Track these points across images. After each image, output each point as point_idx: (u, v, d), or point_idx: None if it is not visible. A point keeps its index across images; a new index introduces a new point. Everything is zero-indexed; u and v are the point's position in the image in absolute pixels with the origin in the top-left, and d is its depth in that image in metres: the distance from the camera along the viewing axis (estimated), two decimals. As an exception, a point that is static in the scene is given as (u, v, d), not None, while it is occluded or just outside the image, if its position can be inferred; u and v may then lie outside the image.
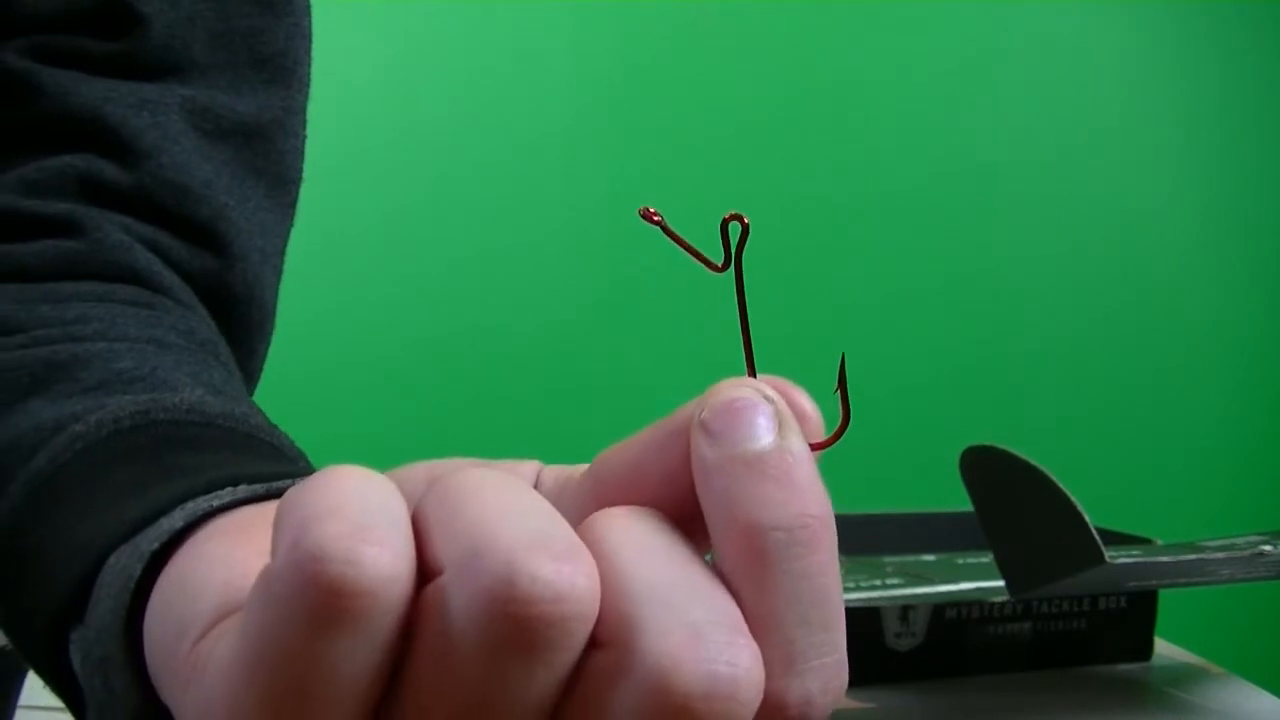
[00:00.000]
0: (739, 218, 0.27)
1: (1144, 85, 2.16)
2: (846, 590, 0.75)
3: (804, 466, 0.25)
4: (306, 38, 0.56)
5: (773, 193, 1.98)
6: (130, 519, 0.32)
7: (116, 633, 0.29)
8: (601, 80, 1.91)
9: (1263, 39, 2.21)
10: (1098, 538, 0.67)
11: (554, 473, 0.30)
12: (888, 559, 0.86)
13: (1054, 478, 0.68)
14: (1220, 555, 0.80)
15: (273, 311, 0.54)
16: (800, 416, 0.26)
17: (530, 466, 0.31)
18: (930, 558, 0.87)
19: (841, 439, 0.26)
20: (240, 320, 0.51)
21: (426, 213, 1.85)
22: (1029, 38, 2.10)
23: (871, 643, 0.87)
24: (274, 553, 0.22)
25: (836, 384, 0.27)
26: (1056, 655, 0.92)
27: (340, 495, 0.22)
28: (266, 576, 0.22)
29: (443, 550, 0.22)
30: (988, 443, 0.72)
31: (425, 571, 0.23)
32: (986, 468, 0.71)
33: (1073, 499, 0.67)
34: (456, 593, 0.22)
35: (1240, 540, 0.83)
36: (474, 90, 1.86)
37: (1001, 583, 0.73)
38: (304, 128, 0.56)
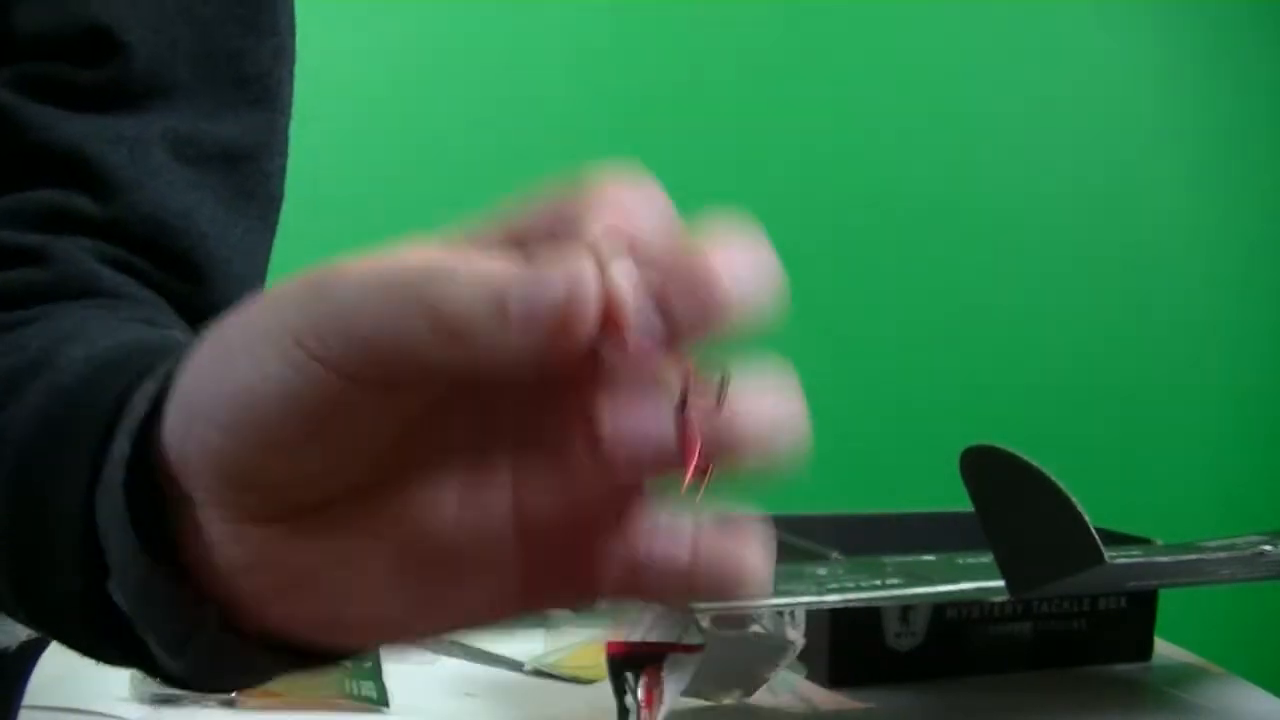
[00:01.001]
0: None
1: (1151, 88, 2.16)
2: (847, 591, 0.75)
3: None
4: (290, 58, 0.57)
5: (773, 192, 1.98)
6: (86, 476, 0.32)
7: (137, 560, 0.29)
8: (601, 79, 1.91)
9: (1251, 26, 2.21)
10: (1097, 538, 0.67)
11: None
12: (888, 559, 0.86)
13: (1054, 478, 0.68)
14: (1220, 555, 0.80)
15: None
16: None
17: None
18: (930, 558, 0.88)
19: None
20: None
21: (426, 212, 1.85)
22: (1032, 40, 2.10)
23: (871, 643, 0.87)
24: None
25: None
26: (1056, 655, 0.92)
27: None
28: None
29: None
30: (988, 443, 0.72)
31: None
32: (986, 468, 0.71)
33: (1073, 499, 0.67)
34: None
35: (1240, 540, 0.83)
36: (474, 90, 1.86)
37: (1001, 583, 0.73)
38: (287, 147, 0.56)
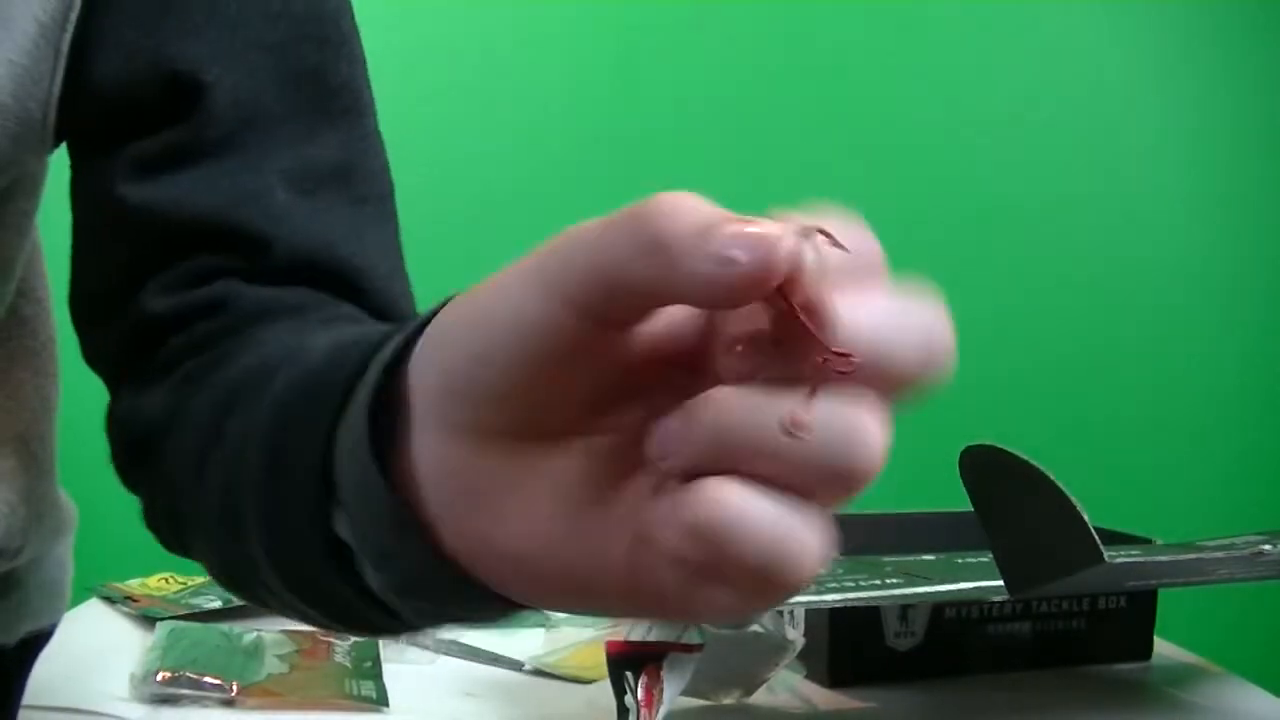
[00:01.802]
0: None
1: (1151, 85, 2.16)
2: (846, 590, 0.75)
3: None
4: (363, 60, 0.59)
5: (774, 193, 1.98)
6: (329, 419, 0.37)
7: (367, 466, 0.33)
8: (602, 78, 1.91)
9: (1252, 27, 2.21)
10: (1097, 537, 0.67)
11: None
12: (888, 559, 0.86)
13: (1054, 478, 0.68)
14: (1219, 555, 0.80)
15: (412, 311, 0.58)
16: None
17: None
18: (930, 557, 0.88)
19: None
20: None
21: (425, 212, 1.85)
22: (1034, 38, 2.10)
23: (871, 642, 0.87)
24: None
25: None
26: (1056, 655, 0.92)
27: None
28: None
29: None
30: (988, 443, 0.72)
31: None
32: (986, 468, 0.71)
33: (1072, 499, 0.67)
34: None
35: (1239, 540, 0.83)
36: (474, 89, 1.86)
37: (1001, 582, 0.73)
38: (382, 141, 0.60)
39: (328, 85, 0.56)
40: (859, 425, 0.28)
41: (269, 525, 0.40)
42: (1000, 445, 0.70)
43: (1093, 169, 2.14)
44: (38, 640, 0.73)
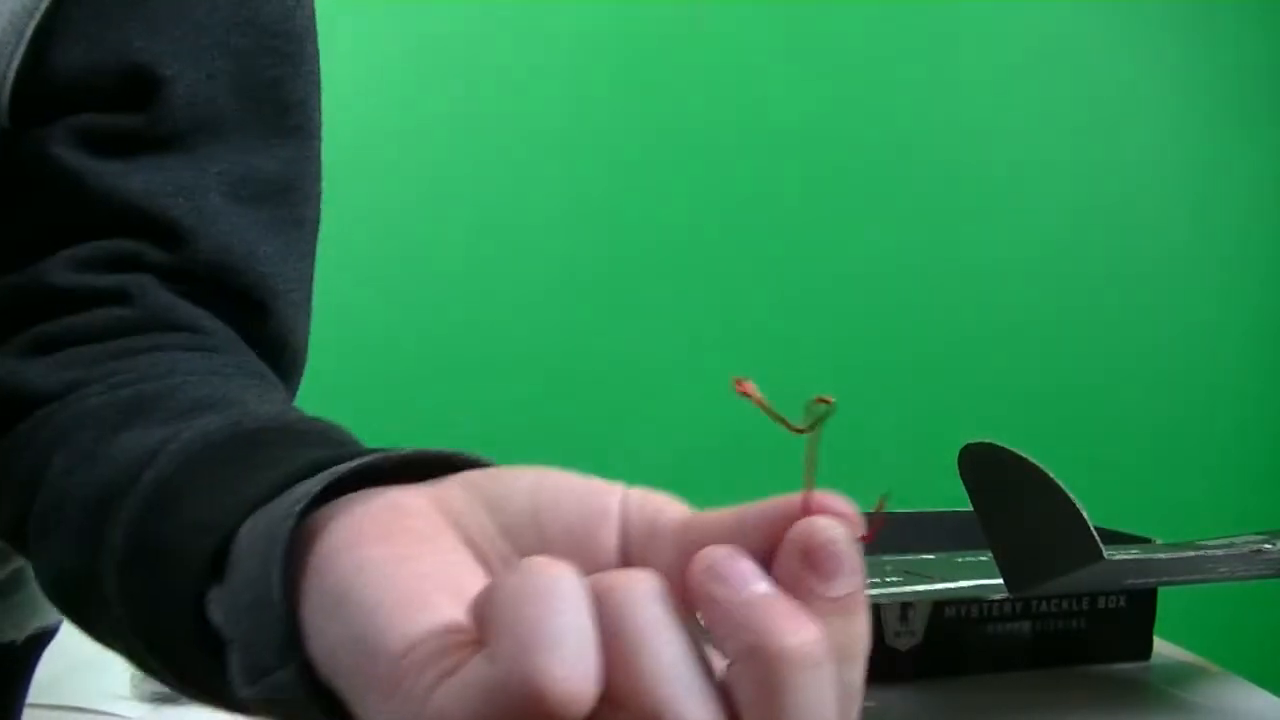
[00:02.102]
0: (826, 400, 0.31)
1: (1142, 80, 2.16)
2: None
3: (864, 601, 0.30)
4: (319, 85, 0.60)
5: (775, 193, 1.98)
6: (251, 496, 0.37)
7: (269, 579, 0.33)
8: (602, 77, 1.91)
9: (1258, 32, 2.21)
10: (1096, 535, 0.67)
11: (639, 502, 0.33)
12: (887, 558, 0.86)
13: (1053, 476, 0.69)
14: (1219, 553, 0.80)
15: (304, 350, 0.59)
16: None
17: (616, 492, 0.34)
18: (930, 557, 0.88)
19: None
20: (274, 363, 0.56)
21: (425, 211, 1.85)
22: (1039, 49, 2.10)
23: (871, 642, 0.87)
24: (492, 653, 0.27)
25: (877, 508, 0.32)
26: (1056, 654, 0.92)
27: (557, 621, 0.27)
28: (492, 683, 0.27)
29: (625, 686, 0.27)
30: (988, 441, 0.72)
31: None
32: (986, 466, 0.71)
33: (1072, 497, 0.67)
34: None
35: (1239, 539, 0.83)
36: (474, 88, 1.86)
37: (1001, 581, 0.73)
38: (321, 169, 0.60)
39: (283, 100, 0.57)
40: None
41: (136, 571, 0.40)
42: (1000, 443, 0.71)
43: (1093, 170, 2.14)
44: (43, 637, 0.73)
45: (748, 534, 0.30)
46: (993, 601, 0.89)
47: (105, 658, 0.86)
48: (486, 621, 0.27)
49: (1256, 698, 0.88)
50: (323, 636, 0.32)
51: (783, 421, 0.32)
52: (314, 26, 0.59)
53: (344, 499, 0.35)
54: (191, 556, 0.37)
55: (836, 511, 0.30)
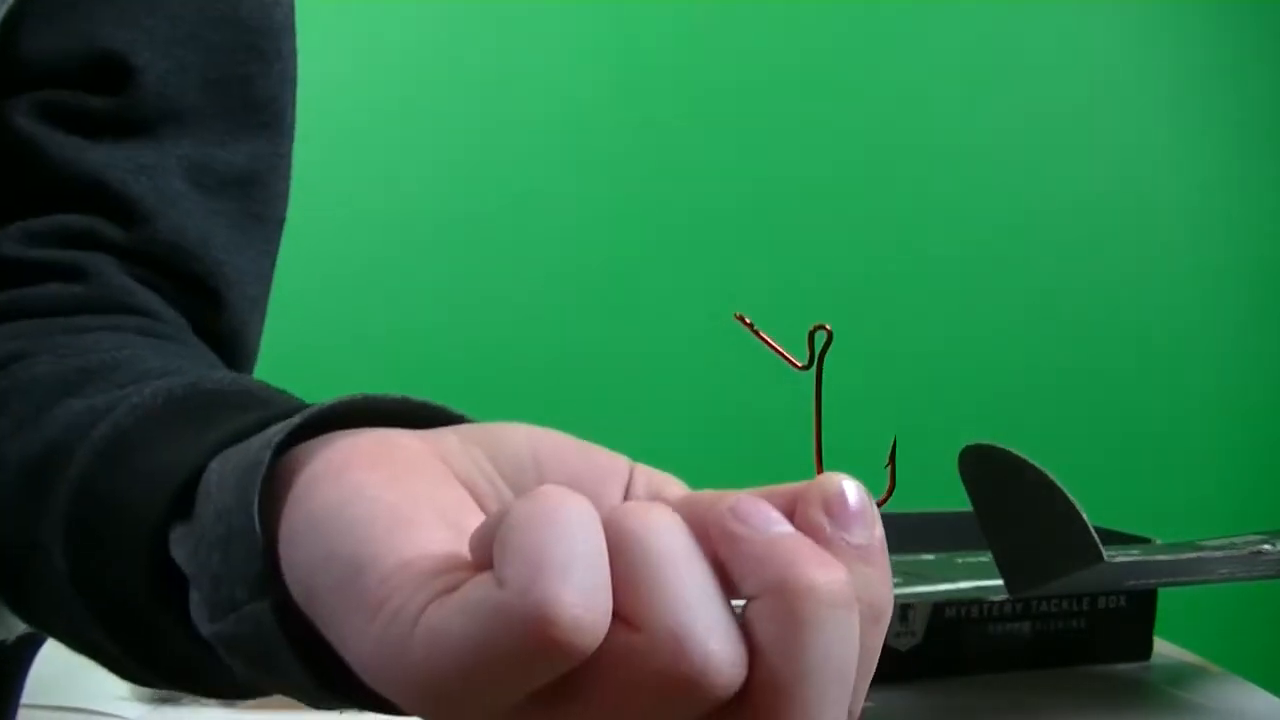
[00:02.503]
0: (824, 327, 0.31)
1: (1136, 79, 2.16)
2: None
3: (886, 556, 0.30)
4: (294, 84, 0.59)
5: (776, 193, 1.98)
6: (219, 438, 0.35)
7: (247, 508, 0.32)
8: (604, 75, 1.91)
9: (1260, 32, 2.21)
10: (1096, 536, 0.67)
11: (646, 474, 0.33)
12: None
13: (1053, 477, 0.68)
14: (1219, 555, 0.80)
15: (256, 350, 0.58)
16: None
17: (622, 459, 0.34)
18: (930, 557, 0.88)
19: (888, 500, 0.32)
20: (227, 360, 0.55)
21: (427, 210, 1.85)
22: (1020, 32, 2.10)
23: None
24: (501, 576, 0.26)
25: (888, 459, 0.33)
26: (1056, 655, 0.92)
27: (569, 547, 0.26)
28: (497, 605, 0.26)
29: (641, 611, 0.26)
30: (987, 442, 0.72)
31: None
32: (985, 467, 0.71)
33: (1071, 498, 0.67)
34: (651, 660, 0.26)
35: (1239, 539, 0.83)
36: (475, 86, 1.86)
37: (1000, 582, 0.73)
38: (290, 169, 0.59)
39: (254, 97, 0.56)
40: None
41: (87, 522, 0.37)
42: (999, 444, 0.70)
43: (1095, 172, 2.14)
44: (36, 637, 0.73)
45: (770, 500, 0.29)
46: (993, 602, 0.89)
47: (104, 658, 0.86)
48: (496, 545, 0.26)
49: (1256, 698, 0.88)
50: (301, 562, 0.30)
51: (785, 356, 0.32)
52: (292, 25, 0.59)
53: (326, 435, 0.33)
54: (152, 497, 0.35)
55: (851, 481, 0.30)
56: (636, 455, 0.34)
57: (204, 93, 0.55)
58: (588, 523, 0.26)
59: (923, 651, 0.88)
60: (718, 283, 1.95)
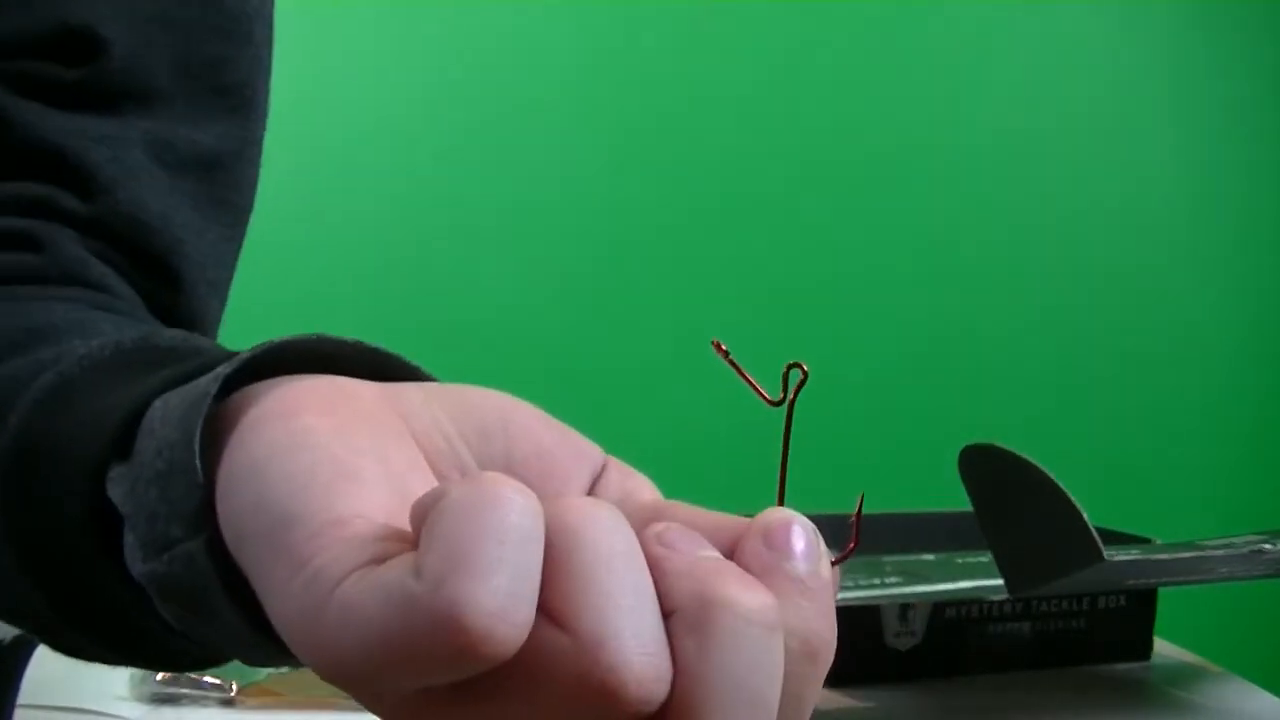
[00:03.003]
0: (799, 366, 0.31)
1: (1135, 78, 2.16)
2: (846, 589, 0.75)
3: (830, 593, 0.29)
4: (267, 70, 0.58)
5: (776, 193, 1.98)
6: (164, 379, 0.33)
7: (189, 442, 0.30)
8: (601, 78, 1.91)
9: (1255, 33, 2.21)
10: (1096, 536, 0.67)
11: (620, 475, 0.33)
12: (887, 559, 0.86)
13: (1054, 477, 0.68)
14: (1219, 554, 0.80)
15: (214, 339, 0.55)
16: None
17: (597, 453, 0.33)
18: (930, 557, 0.88)
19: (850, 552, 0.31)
20: None
21: (426, 212, 1.85)
22: (1024, 33, 2.10)
23: (871, 642, 0.87)
24: (420, 564, 0.24)
25: (854, 514, 0.31)
26: (1056, 654, 0.92)
27: (498, 547, 0.24)
28: (409, 596, 0.24)
29: (568, 611, 0.25)
30: (988, 442, 0.72)
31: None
32: (985, 466, 0.71)
33: (1072, 498, 0.67)
34: (572, 663, 0.25)
35: (1239, 539, 0.83)
36: (474, 88, 1.86)
37: (1001, 582, 0.73)
38: (260, 159, 0.58)
39: (222, 80, 0.55)
40: None
41: (22, 468, 0.35)
42: (1000, 444, 0.70)
43: (1096, 171, 2.14)
44: (32, 639, 0.73)
45: (717, 533, 0.28)
46: (993, 602, 0.89)
47: (104, 658, 0.86)
48: (424, 527, 0.25)
49: (1256, 698, 0.88)
50: (236, 505, 0.29)
51: (757, 390, 0.31)
52: (269, 14, 0.57)
53: (280, 377, 0.31)
54: (92, 436, 0.33)
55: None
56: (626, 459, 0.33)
57: (172, 71, 0.53)
58: (526, 522, 0.25)
59: (923, 651, 0.88)
60: (719, 282, 1.95)
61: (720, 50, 1.95)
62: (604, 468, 0.32)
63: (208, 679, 0.78)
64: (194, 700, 0.77)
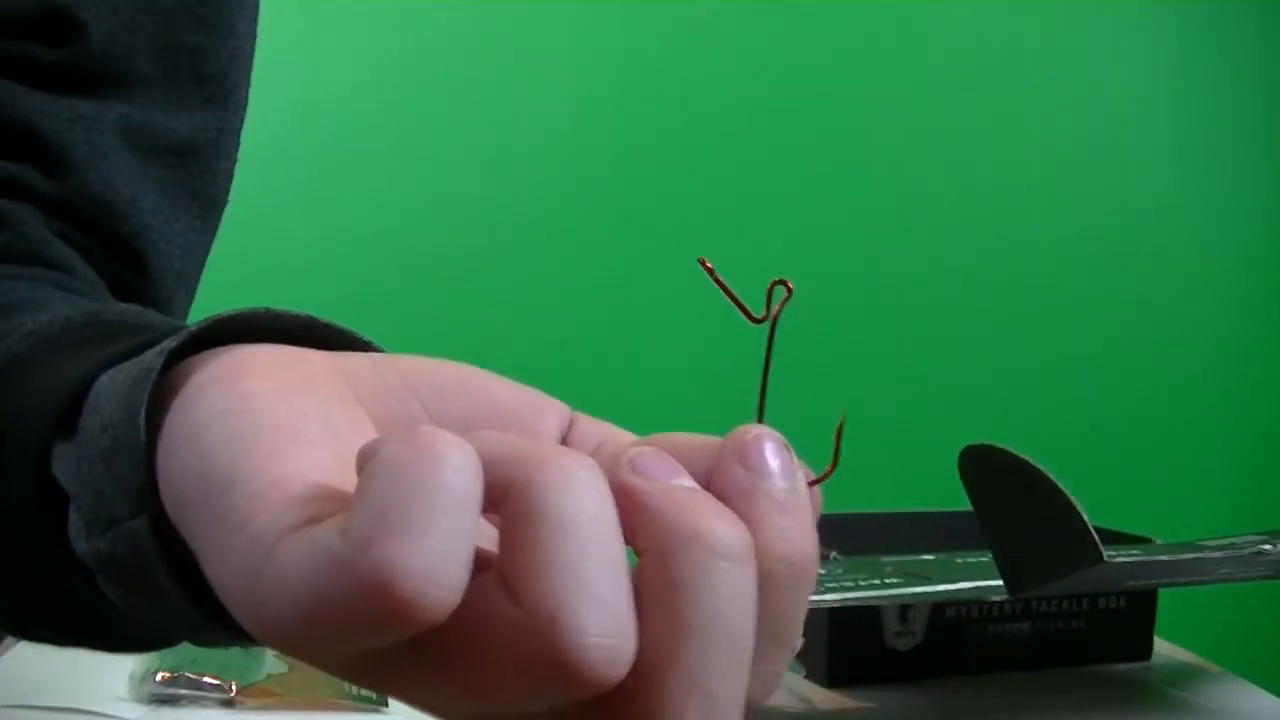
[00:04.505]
0: (784, 283, 0.30)
1: (1151, 85, 2.16)
2: (846, 590, 0.75)
3: (809, 509, 0.28)
4: (248, 62, 0.58)
5: (775, 193, 1.98)
6: (111, 354, 0.33)
7: (134, 418, 0.29)
8: (604, 81, 1.91)
9: (1268, 38, 2.21)
10: (1096, 537, 0.67)
11: (593, 427, 0.32)
12: (887, 559, 0.86)
13: (1054, 477, 0.68)
14: (1219, 555, 0.80)
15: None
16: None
17: (562, 407, 0.32)
18: (930, 557, 0.87)
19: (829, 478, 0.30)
20: None
21: (426, 217, 1.85)
22: (1035, 40, 2.10)
23: (871, 642, 0.87)
24: (348, 524, 0.23)
25: (835, 433, 0.31)
26: (1056, 655, 0.92)
27: (430, 504, 0.23)
28: (337, 557, 0.23)
29: (523, 582, 0.24)
30: (988, 442, 0.72)
31: (489, 561, 0.24)
32: (986, 467, 0.71)
33: (1072, 499, 0.67)
34: (523, 640, 0.23)
35: (1239, 540, 0.83)
36: (475, 92, 1.86)
37: (1001, 582, 0.73)
38: (237, 150, 0.57)
39: (201, 69, 0.55)
40: None
41: None
42: (1000, 445, 0.70)
43: (1097, 170, 2.14)
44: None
45: (700, 455, 0.28)
46: (993, 602, 0.89)
47: (103, 659, 0.86)
48: (357, 486, 0.23)
49: (1256, 698, 0.88)
50: (176, 471, 0.28)
51: (741, 307, 0.31)
52: (253, 5, 0.57)
53: (226, 346, 0.31)
54: (38, 413, 0.33)
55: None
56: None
57: (150, 57, 0.53)
58: (462, 479, 0.23)
59: (923, 651, 0.88)
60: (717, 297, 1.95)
61: (721, 49, 1.95)
62: (572, 422, 0.32)
63: (207, 679, 0.78)
64: (194, 701, 0.77)
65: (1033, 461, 0.69)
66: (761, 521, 0.27)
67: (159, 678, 0.78)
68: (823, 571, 0.80)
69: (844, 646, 0.87)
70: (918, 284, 2.05)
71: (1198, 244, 2.20)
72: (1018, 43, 2.10)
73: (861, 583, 0.77)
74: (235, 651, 0.84)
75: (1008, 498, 0.71)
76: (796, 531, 0.27)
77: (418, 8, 1.83)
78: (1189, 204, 2.19)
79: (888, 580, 0.78)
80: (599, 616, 0.23)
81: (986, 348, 2.08)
